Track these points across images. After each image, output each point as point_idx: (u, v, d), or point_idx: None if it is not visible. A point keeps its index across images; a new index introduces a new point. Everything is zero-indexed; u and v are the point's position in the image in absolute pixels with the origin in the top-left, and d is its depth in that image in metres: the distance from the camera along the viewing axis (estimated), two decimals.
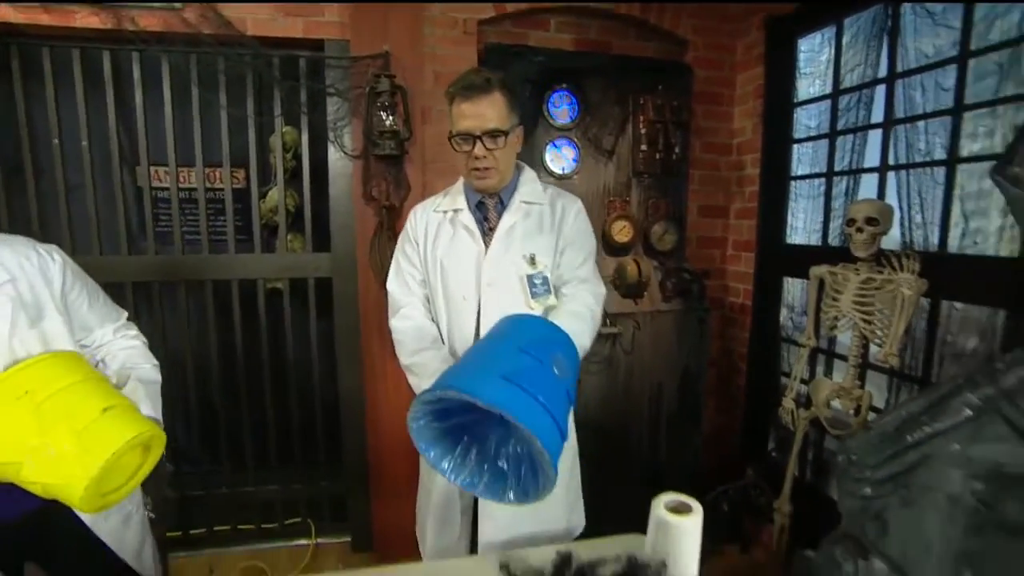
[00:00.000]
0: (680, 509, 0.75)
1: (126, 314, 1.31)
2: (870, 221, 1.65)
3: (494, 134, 1.20)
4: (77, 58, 1.92)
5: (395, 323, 1.35)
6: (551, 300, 1.27)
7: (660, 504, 0.76)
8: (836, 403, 1.80)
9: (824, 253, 1.97)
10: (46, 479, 0.91)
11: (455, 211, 1.31)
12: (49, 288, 1.12)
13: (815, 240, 2.17)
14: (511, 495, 0.92)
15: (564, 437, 0.85)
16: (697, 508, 0.76)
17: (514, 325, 1.01)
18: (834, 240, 2.08)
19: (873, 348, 1.75)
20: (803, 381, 1.97)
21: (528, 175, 1.36)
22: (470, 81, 1.19)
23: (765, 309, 2.30)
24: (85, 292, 1.20)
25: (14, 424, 0.90)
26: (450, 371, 0.94)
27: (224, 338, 2.20)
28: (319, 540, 2.32)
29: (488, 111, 1.19)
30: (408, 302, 1.35)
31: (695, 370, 2.18)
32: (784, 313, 2.28)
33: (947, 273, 1.60)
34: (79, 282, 1.19)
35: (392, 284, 1.39)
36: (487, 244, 1.29)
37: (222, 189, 2.17)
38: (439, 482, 1.33)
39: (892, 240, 1.77)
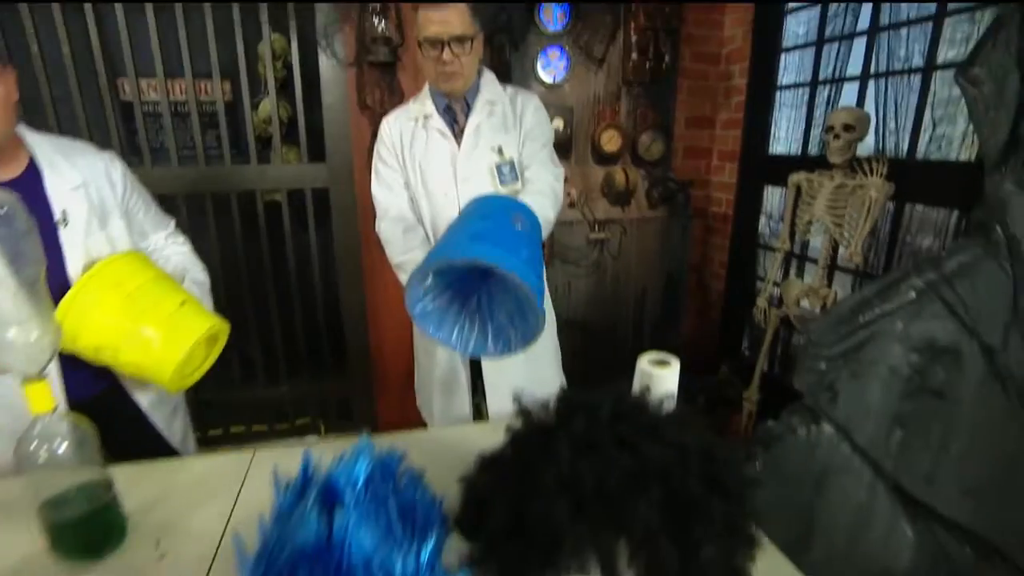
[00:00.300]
0: (661, 363, 0.90)
1: (174, 221, 1.39)
2: (847, 128, 1.73)
3: (460, 39, 1.27)
4: None
5: (383, 226, 1.45)
6: (518, 185, 1.41)
7: (644, 359, 0.90)
8: (805, 302, 1.98)
9: (803, 162, 2.07)
10: (140, 360, 1.03)
11: (425, 117, 1.40)
12: (113, 193, 1.19)
13: (795, 150, 2.26)
14: (516, 346, 1.08)
15: (539, 276, 1.00)
16: (675, 362, 0.91)
17: (475, 203, 1.14)
18: (813, 149, 2.18)
19: (842, 251, 1.90)
20: (776, 284, 2.13)
21: (488, 77, 1.44)
22: None
23: (745, 217, 2.43)
24: (141, 199, 1.28)
25: (110, 311, 1.01)
26: (429, 252, 1.09)
27: (227, 251, 2.27)
28: (328, 438, 2.54)
29: (454, 18, 1.25)
30: (394, 203, 1.44)
31: (677, 275, 2.34)
32: (763, 221, 2.41)
33: (913, 177, 1.72)
34: (136, 189, 1.27)
35: (376, 190, 1.46)
36: (459, 143, 1.40)
37: (214, 102, 2.16)
38: (441, 360, 1.49)
39: (867, 147, 1.87)
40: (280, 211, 2.25)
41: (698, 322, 2.72)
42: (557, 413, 0.62)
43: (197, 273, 1.37)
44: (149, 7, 1.93)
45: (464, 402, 1.51)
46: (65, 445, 0.79)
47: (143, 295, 1.06)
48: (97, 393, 1.21)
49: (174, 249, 1.38)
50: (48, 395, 0.79)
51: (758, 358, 2.15)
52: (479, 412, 1.52)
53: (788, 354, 2.37)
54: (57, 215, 1.11)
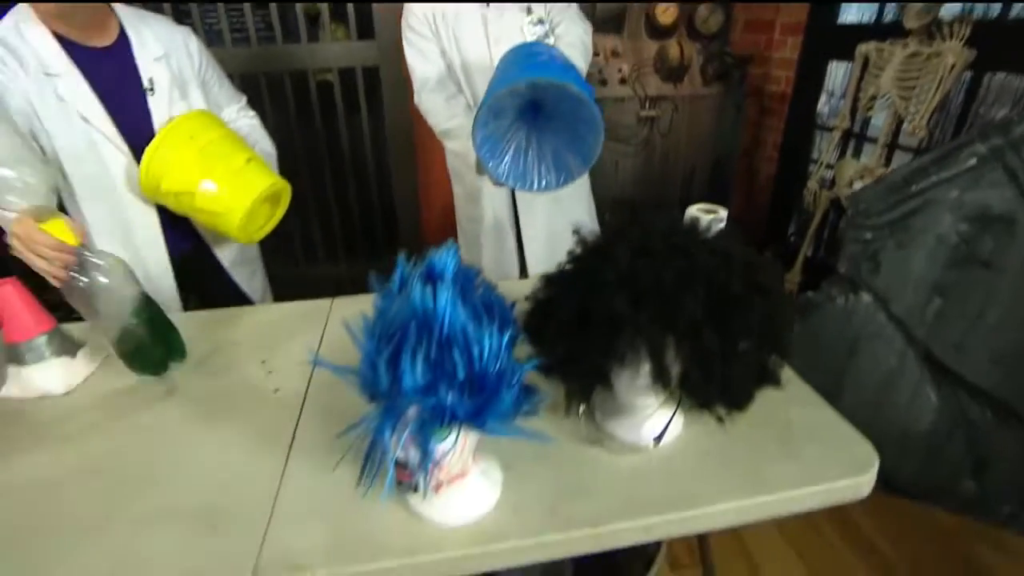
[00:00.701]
0: (709, 211, 0.96)
1: (245, 97, 1.47)
2: None
3: None
4: None
5: (423, 96, 1.47)
6: (550, 41, 1.43)
7: (693, 208, 0.97)
8: (859, 184, 1.94)
9: (875, 31, 1.92)
10: (211, 207, 1.16)
11: None
12: (191, 64, 1.27)
13: (868, 18, 2.09)
14: (577, 169, 1.19)
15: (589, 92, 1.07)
16: (723, 210, 0.98)
17: (512, 51, 1.20)
18: (889, 15, 2.00)
19: (905, 128, 1.82)
20: (829, 166, 2.08)
21: None
22: None
23: (804, 95, 2.31)
24: (216, 73, 1.36)
25: (185, 161, 1.13)
26: (487, 90, 1.16)
27: (282, 132, 2.35)
28: None
29: None
30: (433, 72, 1.45)
31: (727, 156, 2.30)
32: (823, 100, 2.30)
33: (1000, 41, 1.59)
34: (211, 63, 1.34)
35: (413, 60, 1.46)
36: (488, 4, 1.40)
37: None
38: (487, 216, 1.58)
39: (951, 10, 1.72)
40: (332, 91, 2.29)
41: (745, 206, 2.70)
42: (615, 228, 0.70)
43: (266, 144, 1.47)
44: None
45: (511, 252, 1.60)
46: (98, 275, 0.91)
47: (215, 149, 1.16)
48: (188, 249, 1.38)
49: (245, 122, 1.47)
50: (66, 231, 0.91)
51: (803, 242, 2.16)
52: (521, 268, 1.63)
53: (835, 238, 2.36)
54: (145, 83, 1.21)
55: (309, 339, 1.15)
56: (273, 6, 2.11)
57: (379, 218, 2.57)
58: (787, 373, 0.98)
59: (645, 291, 0.62)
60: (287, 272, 2.63)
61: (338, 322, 1.22)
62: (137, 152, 1.18)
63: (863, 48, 1.86)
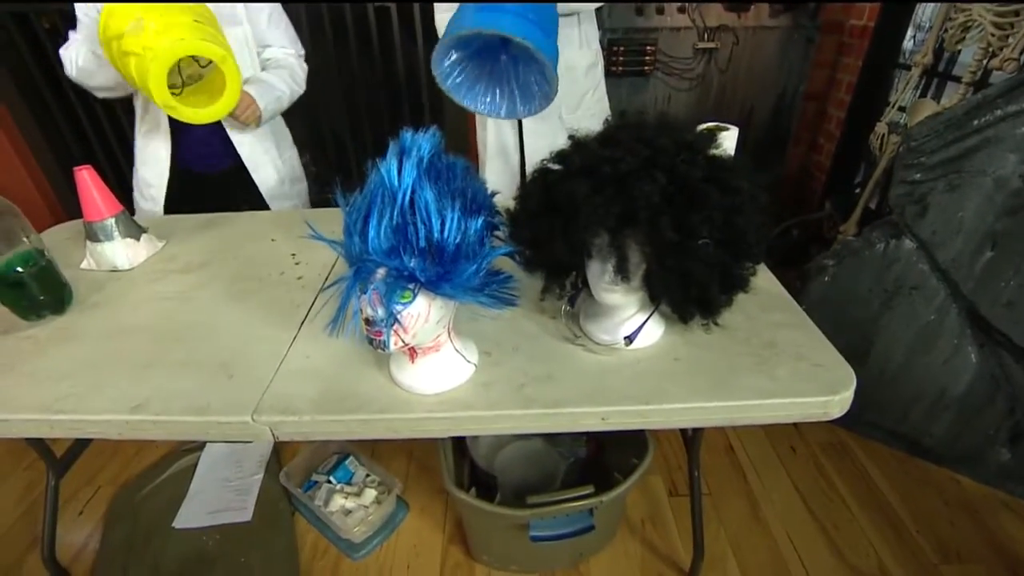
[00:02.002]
0: (720, 128, 0.94)
1: (303, 52, 1.57)
2: None
3: None
4: None
5: (438, 16, 1.44)
6: None
7: (702, 125, 0.95)
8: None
9: None
10: (137, 49, 1.14)
11: None
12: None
13: None
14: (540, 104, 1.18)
15: (547, 33, 1.05)
16: (734, 129, 0.95)
17: None
18: None
19: (996, 61, 1.62)
20: (902, 108, 1.90)
21: None
22: None
23: (890, 29, 2.08)
24: (272, 12, 1.44)
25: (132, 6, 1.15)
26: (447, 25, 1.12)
27: (343, 63, 2.43)
28: None
29: None
30: None
31: (791, 95, 2.14)
32: (909, 34, 2.07)
33: None
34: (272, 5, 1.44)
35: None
36: None
37: None
38: (492, 136, 1.59)
39: None
40: (389, 16, 2.33)
41: (809, 154, 2.52)
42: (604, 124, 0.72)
43: (279, 82, 1.48)
44: None
45: (515, 176, 1.60)
46: None
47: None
48: (225, 168, 1.53)
49: (287, 61, 1.53)
50: None
51: (863, 192, 2.01)
52: None
53: None
54: None
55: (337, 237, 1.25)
56: None
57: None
58: (785, 299, 0.98)
59: (606, 177, 0.64)
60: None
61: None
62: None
63: None
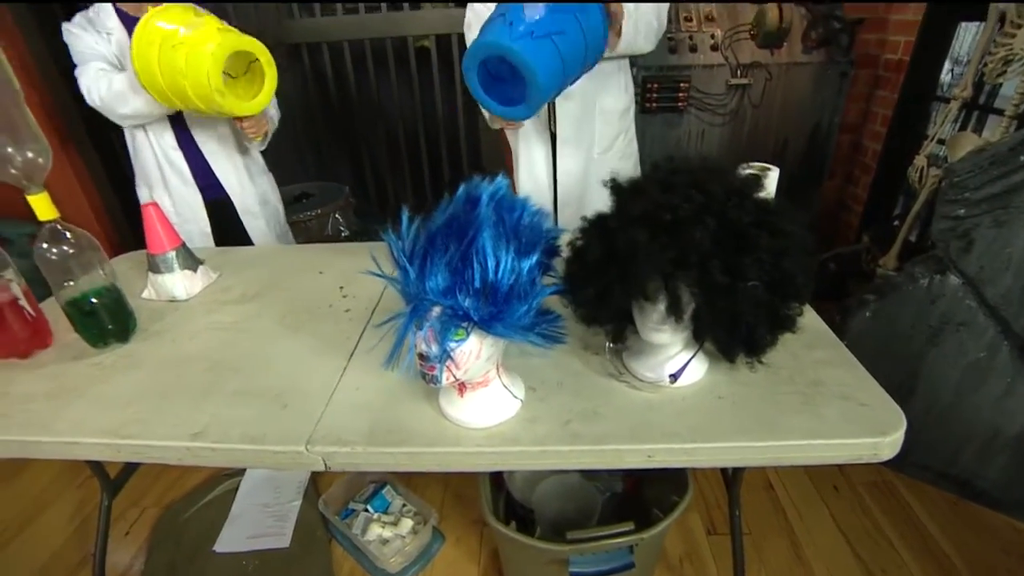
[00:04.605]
0: (763, 170, 0.96)
1: None
2: None
3: None
4: None
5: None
6: None
7: (744, 165, 0.97)
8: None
9: None
10: (194, 40, 1.28)
11: None
12: None
13: None
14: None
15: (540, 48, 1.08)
16: (775, 170, 0.97)
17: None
18: None
19: None
20: (941, 141, 1.88)
21: None
22: None
23: (925, 63, 2.08)
24: None
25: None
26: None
27: (384, 96, 2.54)
28: None
29: None
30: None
31: (826, 129, 2.14)
32: (946, 68, 2.06)
33: None
34: None
35: (469, 14, 1.51)
36: None
37: None
38: (523, 176, 1.64)
39: None
40: (429, 57, 2.43)
41: (845, 187, 2.50)
42: (652, 168, 0.74)
43: (271, 109, 1.66)
44: None
45: (548, 205, 1.62)
46: (67, 248, 0.99)
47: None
48: (214, 199, 1.67)
49: None
50: (49, 206, 0.96)
51: (904, 225, 1.99)
52: None
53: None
54: None
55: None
56: None
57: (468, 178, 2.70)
58: (829, 337, 0.97)
59: (663, 224, 0.66)
60: (381, 227, 2.86)
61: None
62: None
63: (1000, 4, 1.65)
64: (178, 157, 1.61)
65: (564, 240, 0.81)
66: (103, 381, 0.99)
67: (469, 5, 1.55)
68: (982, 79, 1.71)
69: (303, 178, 2.59)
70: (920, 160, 1.86)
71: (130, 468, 1.39)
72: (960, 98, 1.79)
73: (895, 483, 1.57)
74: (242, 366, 1.01)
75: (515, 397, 0.84)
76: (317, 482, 1.67)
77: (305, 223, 2.29)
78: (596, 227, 0.76)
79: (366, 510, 1.48)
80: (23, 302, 1.06)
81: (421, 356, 0.70)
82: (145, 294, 1.28)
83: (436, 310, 0.68)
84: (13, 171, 0.95)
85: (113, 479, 1.34)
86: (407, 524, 1.44)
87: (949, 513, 1.48)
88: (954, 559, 1.37)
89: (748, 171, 0.94)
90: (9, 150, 0.94)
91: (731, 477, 1.19)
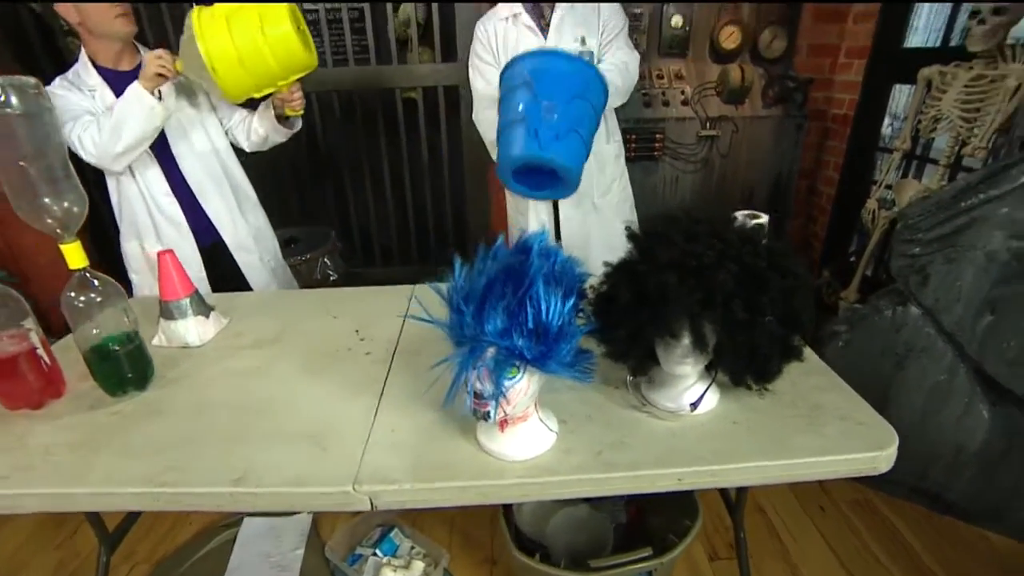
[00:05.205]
0: (753, 216, 1.08)
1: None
2: (997, 11, 1.63)
3: None
4: None
5: (480, 113, 1.67)
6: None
7: (738, 213, 1.09)
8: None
9: (941, 54, 1.95)
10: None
11: (515, 15, 1.61)
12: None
13: (934, 41, 2.11)
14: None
15: (573, 144, 1.21)
16: (765, 216, 1.09)
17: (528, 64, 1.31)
18: (955, 39, 2.03)
19: (968, 150, 1.83)
20: (888, 186, 2.10)
21: None
22: None
23: (868, 118, 2.34)
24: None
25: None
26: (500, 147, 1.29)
27: (371, 146, 2.63)
28: None
29: None
30: (489, 93, 1.62)
31: (786, 176, 2.36)
32: (886, 122, 2.32)
33: None
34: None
35: (475, 80, 1.68)
36: (545, 36, 1.59)
37: (361, 8, 2.43)
38: (532, 222, 1.75)
39: (1022, 32, 1.73)
40: (416, 108, 2.54)
41: (805, 227, 2.72)
42: (669, 219, 0.84)
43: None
44: None
45: None
46: (96, 296, 1.00)
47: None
48: (208, 245, 1.70)
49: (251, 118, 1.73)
50: (81, 254, 0.98)
51: (861, 261, 2.18)
52: None
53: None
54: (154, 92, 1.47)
55: (396, 314, 1.34)
56: (369, 31, 2.40)
57: (451, 225, 2.79)
58: (824, 367, 1.08)
59: (690, 269, 0.75)
60: (366, 272, 2.90)
61: (421, 300, 1.42)
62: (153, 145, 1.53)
63: (926, 71, 1.89)
64: (170, 203, 1.63)
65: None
66: (127, 430, 0.99)
67: (472, 64, 1.67)
68: (918, 133, 1.94)
69: (288, 222, 2.61)
70: (872, 203, 2.06)
71: (130, 519, 1.35)
72: (901, 149, 2.01)
73: (874, 500, 1.69)
74: (271, 410, 1.02)
75: (551, 430, 0.90)
76: (319, 528, 1.65)
77: (295, 267, 2.31)
78: (624, 273, 0.85)
79: (375, 554, 1.48)
80: (41, 351, 1.06)
81: (476, 394, 0.76)
82: (156, 341, 1.28)
83: (491, 351, 0.74)
84: (50, 221, 0.97)
85: (112, 531, 1.30)
86: (419, 567, 1.44)
87: (927, 527, 1.60)
88: (935, 571, 1.47)
89: (749, 219, 1.06)
90: (46, 200, 0.96)
91: (734, 501, 1.26)
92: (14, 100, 0.89)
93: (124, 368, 1.07)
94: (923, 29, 2.18)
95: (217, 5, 1.41)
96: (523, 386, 0.77)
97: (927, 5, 2.13)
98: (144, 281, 1.76)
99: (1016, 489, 1.51)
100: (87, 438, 0.97)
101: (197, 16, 1.38)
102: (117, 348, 1.05)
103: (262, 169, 1.85)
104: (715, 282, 0.74)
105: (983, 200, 1.33)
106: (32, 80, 0.93)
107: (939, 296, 1.46)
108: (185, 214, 1.65)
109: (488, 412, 0.76)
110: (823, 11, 2.39)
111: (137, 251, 1.72)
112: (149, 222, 1.65)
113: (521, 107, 1.23)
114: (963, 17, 1.99)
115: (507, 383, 0.75)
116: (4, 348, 1.01)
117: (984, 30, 1.66)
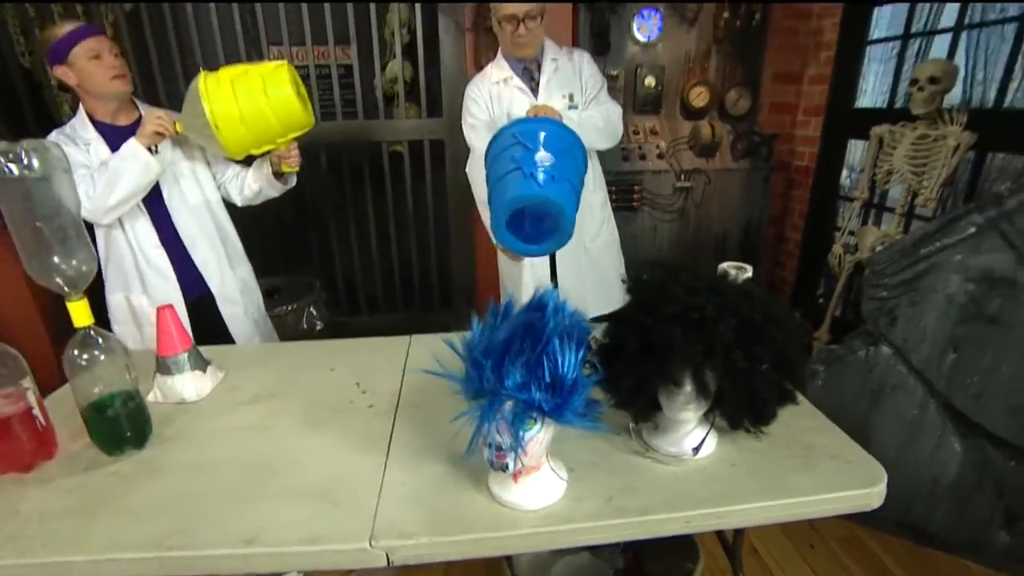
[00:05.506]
0: (738, 267, 1.15)
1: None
2: (932, 80, 1.83)
3: (532, 15, 1.60)
4: None
5: (474, 166, 1.77)
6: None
7: (724, 264, 1.16)
8: (880, 249, 2.10)
9: (888, 115, 2.15)
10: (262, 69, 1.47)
11: (505, 79, 1.74)
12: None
13: (881, 103, 2.33)
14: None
15: (565, 192, 1.27)
16: (749, 268, 1.17)
17: (496, 160, 1.39)
18: (900, 102, 2.24)
19: (920, 199, 2.00)
20: (851, 232, 2.26)
21: (547, 40, 1.75)
22: None
23: (827, 169, 2.53)
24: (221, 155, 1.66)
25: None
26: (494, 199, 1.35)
27: (357, 196, 2.68)
28: None
29: None
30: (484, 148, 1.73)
31: (756, 223, 2.50)
32: (844, 173, 2.51)
33: (999, 126, 1.80)
34: None
35: (470, 135, 1.79)
36: (535, 95, 1.73)
37: (349, 64, 2.53)
38: (527, 272, 1.82)
39: (955, 98, 1.94)
40: (402, 160, 2.62)
41: (774, 271, 2.87)
42: (668, 272, 0.90)
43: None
44: None
45: None
46: (99, 354, 1.00)
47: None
48: (194, 298, 1.71)
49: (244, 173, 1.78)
50: (87, 312, 0.98)
51: (830, 303, 2.31)
52: None
53: (860, 299, 2.49)
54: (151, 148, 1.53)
55: (395, 366, 1.36)
56: (357, 88, 2.49)
57: (435, 274, 2.84)
58: (812, 409, 1.14)
59: (693, 322, 0.81)
60: (351, 320, 2.90)
61: (418, 352, 1.44)
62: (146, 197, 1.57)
63: (877, 130, 2.08)
64: (159, 255, 1.64)
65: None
66: (127, 491, 0.97)
67: (467, 124, 1.76)
68: (874, 184, 2.10)
69: (270, 272, 2.61)
70: (837, 248, 2.21)
71: None
72: (860, 199, 2.17)
73: (862, 536, 1.73)
74: (276, 467, 1.01)
75: (561, 479, 0.92)
76: None
77: (281, 317, 2.30)
78: (630, 326, 0.90)
79: None
80: (36, 411, 1.04)
81: (492, 445, 0.79)
82: (151, 397, 1.25)
83: (509, 404, 0.77)
84: (58, 280, 0.98)
85: None
86: None
87: (912, 560, 1.65)
88: None
89: (738, 272, 1.14)
90: (55, 259, 0.97)
91: (731, 542, 1.29)
92: (35, 163, 0.91)
93: (123, 427, 1.05)
94: (871, 92, 2.39)
95: (223, 70, 1.47)
96: (540, 437, 0.80)
97: (873, 73, 2.36)
98: (127, 332, 1.73)
99: (991, 518, 1.58)
100: (84, 502, 0.95)
101: (204, 80, 1.43)
102: (118, 406, 1.03)
103: (245, 219, 1.87)
104: (716, 334, 0.80)
105: (939, 248, 1.45)
106: (53, 142, 0.96)
107: (907, 336, 1.56)
108: (173, 266, 1.66)
109: (507, 463, 0.79)
110: (781, 74, 2.60)
111: (122, 303, 1.70)
112: (136, 274, 1.65)
113: (514, 158, 1.31)
114: (904, 84, 2.21)
115: (526, 435, 0.78)
116: None
117: (923, 96, 1.84)
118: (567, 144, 1.35)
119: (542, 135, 1.34)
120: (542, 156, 1.28)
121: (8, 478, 1.01)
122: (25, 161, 0.90)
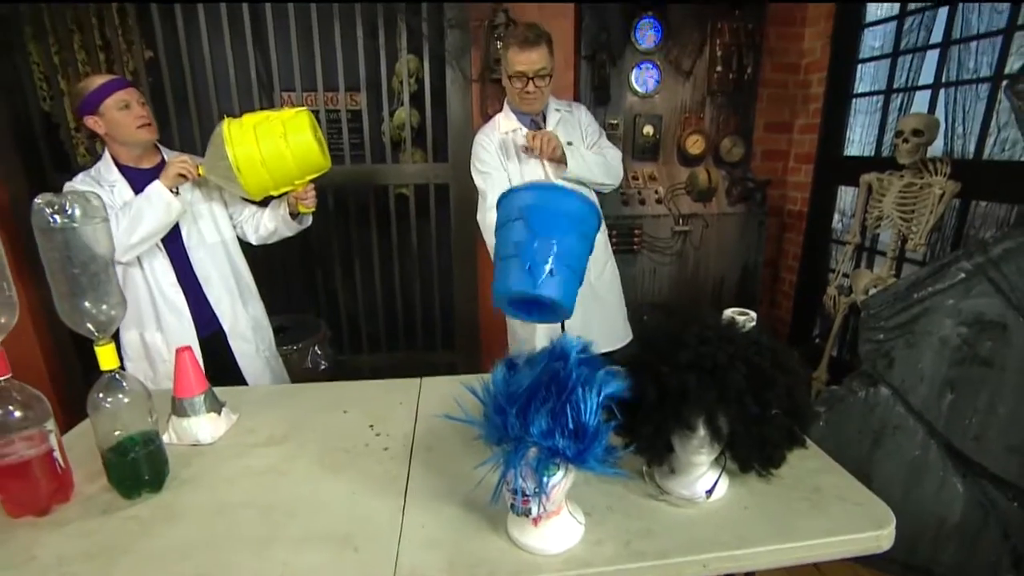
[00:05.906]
0: (742, 313, 1.20)
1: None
2: (916, 133, 1.93)
3: (541, 74, 1.69)
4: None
5: (488, 214, 1.83)
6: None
7: (728, 311, 1.21)
8: (872, 290, 2.17)
9: (876, 163, 2.26)
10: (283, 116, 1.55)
11: (514, 130, 1.83)
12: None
13: (868, 152, 2.44)
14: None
15: (565, 277, 1.21)
16: (753, 314, 1.22)
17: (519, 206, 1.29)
18: (885, 151, 2.36)
19: (909, 244, 2.08)
20: (845, 275, 2.33)
21: (551, 96, 1.87)
22: (524, 36, 1.67)
23: (819, 214, 2.63)
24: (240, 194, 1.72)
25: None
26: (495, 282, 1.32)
27: (363, 238, 2.74)
28: None
29: (537, 58, 1.67)
30: (497, 193, 1.79)
31: (752, 266, 2.58)
32: (836, 218, 2.60)
33: (978, 176, 1.90)
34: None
35: (481, 183, 1.85)
36: None
37: (359, 111, 2.62)
38: (540, 330, 1.86)
39: (937, 149, 2.05)
40: (407, 203, 2.69)
41: (771, 311, 2.93)
42: (681, 324, 0.95)
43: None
44: (316, 36, 2.41)
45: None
46: (123, 397, 1.02)
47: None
48: (207, 336, 1.74)
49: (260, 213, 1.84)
50: (113, 355, 1.00)
51: (827, 344, 2.36)
52: None
53: (856, 339, 2.54)
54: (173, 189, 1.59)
55: (407, 408, 1.38)
56: (366, 132, 2.58)
57: (438, 315, 2.87)
58: (818, 450, 1.17)
59: (706, 369, 0.85)
60: (353, 359, 2.91)
61: (429, 394, 1.46)
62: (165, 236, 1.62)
63: (866, 177, 2.17)
64: (175, 293, 1.67)
65: None
66: (147, 535, 0.97)
67: (477, 171, 1.84)
68: (866, 228, 2.19)
69: (274, 310, 2.63)
70: (832, 290, 2.27)
71: None
72: (852, 243, 2.25)
73: None
74: (296, 510, 1.02)
75: (579, 523, 0.94)
76: None
77: (287, 356, 2.32)
78: (647, 374, 0.94)
79: None
80: (57, 454, 1.04)
81: (516, 491, 0.81)
82: (166, 439, 1.26)
83: (533, 450, 0.80)
84: (89, 325, 1.00)
85: None
86: None
87: None
88: None
89: (744, 320, 1.19)
90: (87, 304, 1.00)
91: None
92: (77, 213, 0.95)
93: (142, 469, 1.06)
94: (858, 141, 2.52)
95: (246, 116, 1.55)
96: (562, 483, 0.82)
97: (859, 124, 2.49)
98: (140, 368, 1.75)
99: (998, 560, 1.59)
100: (104, 546, 0.95)
101: (227, 126, 1.50)
102: (138, 448, 1.04)
103: (251, 257, 1.92)
104: (728, 381, 0.84)
105: (932, 292, 1.51)
106: (94, 192, 1.00)
107: (904, 377, 1.61)
108: (188, 304, 1.69)
109: (530, 508, 0.81)
110: (772, 124, 2.73)
111: (136, 340, 1.72)
112: (152, 311, 1.68)
113: (516, 243, 1.27)
114: (889, 134, 2.33)
115: (549, 481, 0.80)
116: (19, 451, 0.99)
117: (908, 147, 1.95)
118: (576, 219, 1.27)
119: (549, 212, 1.26)
120: (542, 246, 1.25)
121: (23, 521, 1.01)
122: (69, 212, 0.94)
